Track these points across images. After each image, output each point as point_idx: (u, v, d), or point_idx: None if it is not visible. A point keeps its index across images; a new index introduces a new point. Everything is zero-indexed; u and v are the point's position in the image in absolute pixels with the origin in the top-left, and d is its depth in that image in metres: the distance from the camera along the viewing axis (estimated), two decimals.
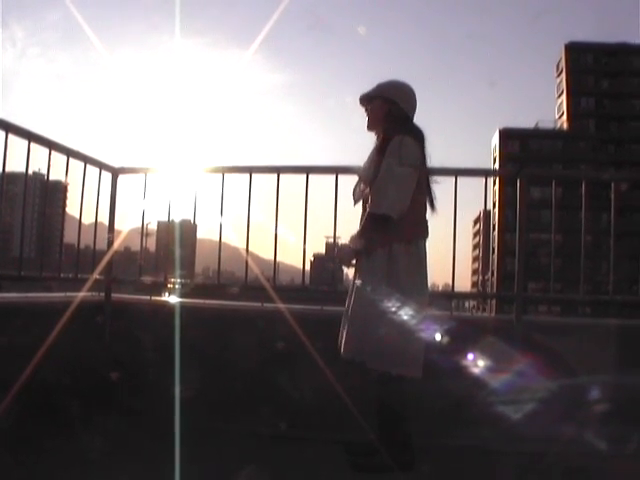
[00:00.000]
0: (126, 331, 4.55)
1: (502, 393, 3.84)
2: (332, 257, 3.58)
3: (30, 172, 4.24)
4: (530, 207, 4.85)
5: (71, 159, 4.44)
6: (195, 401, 3.84)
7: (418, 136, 3.43)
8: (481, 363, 3.96)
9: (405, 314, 3.21)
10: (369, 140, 3.58)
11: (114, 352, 4.48)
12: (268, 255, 4.75)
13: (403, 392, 3.27)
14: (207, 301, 5.09)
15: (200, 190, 4.85)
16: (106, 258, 4.73)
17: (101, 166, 4.83)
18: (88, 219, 5.02)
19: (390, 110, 3.48)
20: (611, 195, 4.57)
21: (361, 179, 3.52)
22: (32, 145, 4.07)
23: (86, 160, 4.63)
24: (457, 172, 4.34)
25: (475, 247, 79.87)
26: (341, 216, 4.45)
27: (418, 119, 3.54)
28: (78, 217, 4.77)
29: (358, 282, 3.37)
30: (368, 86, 3.59)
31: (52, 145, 4.25)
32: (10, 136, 3.90)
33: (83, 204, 4.70)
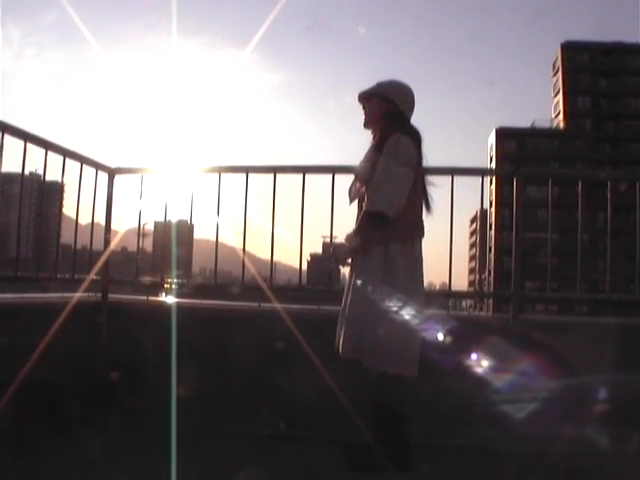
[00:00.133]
0: (123, 331, 4.55)
1: (502, 392, 3.85)
2: (328, 256, 3.57)
3: (27, 172, 4.24)
4: (527, 206, 4.85)
5: (68, 159, 4.43)
6: (193, 401, 3.84)
7: (415, 136, 3.44)
8: (479, 362, 3.97)
9: (402, 313, 3.21)
10: (366, 139, 3.58)
11: (112, 352, 4.48)
12: (265, 255, 4.75)
13: (400, 392, 3.27)
14: (204, 301, 5.09)
15: (197, 190, 4.85)
16: (103, 258, 4.72)
17: (97, 166, 4.83)
18: (85, 219, 5.02)
19: (388, 109, 3.48)
20: (607, 194, 4.57)
21: (357, 178, 3.53)
22: (29, 146, 4.07)
23: (82, 160, 4.63)
24: (453, 171, 4.35)
25: (472, 246, 80.00)
26: (338, 215, 4.46)
27: (416, 118, 3.55)
28: (75, 218, 4.76)
29: (354, 281, 3.37)
30: (365, 86, 3.59)
31: (48, 145, 4.24)
32: (6, 136, 3.90)
33: (80, 204, 4.71)
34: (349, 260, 3.46)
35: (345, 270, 3.59)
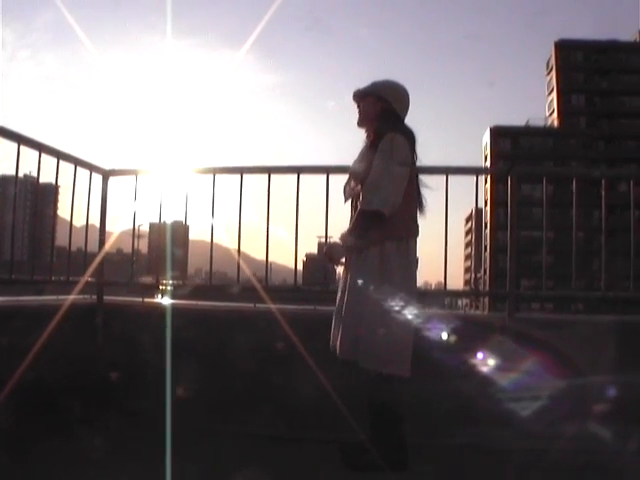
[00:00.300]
0: (119, 333, 4.54)
1: (502, 392, 3.85)
2: (322, 256, 3.57)
3: (21, 175, 4.23)
4: (521, 205, 4.86)
5: (62, 161, 4.42)
6: (190, 402, 3.84)
7: (409, 136, 3.44)
8: (476, 362, 3.97)
9: (397, 313, 3.21)
10: (360, 139, 3.59)
11: (108, 354, 4.47)
12: (261, 256, 4.75)
13: (395, 391, 3.27)
14: (200, 302, 5.08)
15: (191, 191, 4.84)
16: (97, 260, 4.71)
17: (91, 168, 4.82)
18: (80, 221, 5.00)
19: (383, 108, 3.49)
20: (602, 192, 4.58)
21: (352, 176, 3.53)
22: (22, 148, 4.05)
23: (76, 162, 4.61)
24: (448, 170, 4.35)
25: (467, 245, 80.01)
26: (333, 215, 4.45)
27: (411, 118, 3.57)
28: (69, 219, 4.76)
29: (350, 280, 3.37)
30: (361, 85, 3.60)
31: (42, 147, 4.23)
32: (0, 139, 3.89)
33: (74, 206, 4.69)
34: (343, 259, 3.47)
35: (340, 269, 3.59)
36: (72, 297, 4.34)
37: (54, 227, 4.72)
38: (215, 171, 4.74)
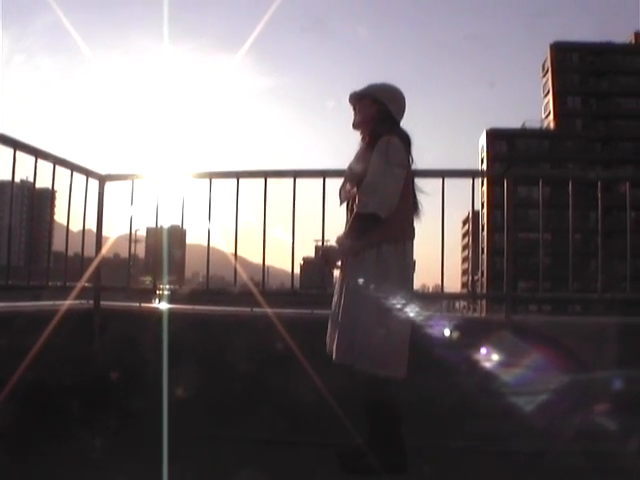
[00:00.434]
0: (116, 338, 4.53)
1: (505, 387, 3.86)
2: (318, 259, 3.56)
3: (17, 180, 4.23)
4: (518, 207, 4.86)
5: (58, 167, 4.42)
6: (187, 407, 3.84)
7: (405, 139, 3.44)
8: (477, 359, 3.98)
9: (393, 315, 3.21)
10: (357, 141, 3.58)
11: (104, 360, 4.46)
12: (258, 259, 4.74)
13: (392, 394, 3.27)
14: (197, 307, 5.07)
15: (188, 195, 4.84)
16: (94, 265, 4.70)
17: (88, 173, 4.81)
18: (76, 226, 5.00)
19: (379, 111, 3.48)
20: (598, 194, 4.58)
21: (347, 179, 3.52)
22: (19, 153, 4.05)
23: (73, 167, 4.61)
24: (444, 173, 4.35)
25: (464, 248, 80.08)
26: (330, 219, 4.45)
27: (407, 120, 3.56)
28: (66, 225, 4.75)
29: (346, 283, 3.36)
30: (357, 87, 3.60)
31: (38, 153, 4.22)
32: None
33: (71, 211, 4.69)
34: (339, 263, 3.46)
35: (337, 273, 3.58)
36: (69, 302, 4.33)
37: (51, 232, 4.73)
38: (211, 175, 4.73)
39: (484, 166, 70.61)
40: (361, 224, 3.29)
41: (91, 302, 4.82)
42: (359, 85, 3.59)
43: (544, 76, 77.74)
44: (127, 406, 3.95)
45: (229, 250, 4.67)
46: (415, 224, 3.49)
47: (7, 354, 3.65)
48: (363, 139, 3.54)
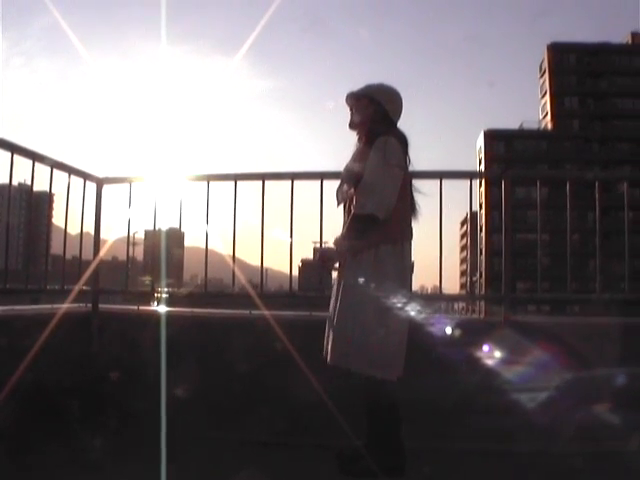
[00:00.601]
0: (114, 341, 4.53)
1: (504, 389, 3.86)
2: (315, 261, 3.56)
3: (15, 184, 4.22)
4: (516, 208, 4.87)
5: (55, 170, 4.42)
6: (186, 409, 3.84)
7: (402, 139, 3.42)
8: (473, 363, 3.98)
9: (391, 316, 3.20)
10: (354, 142, 3.57)
11: (103, 362, 4.45)
12: (256, 262, 4.74)
13: (390, 395, 3.26)
14: (195, 310, 5.07)
15: (186, 198, 4.85)
16: (91, 268, 4.70)
17: (85, 176, 4.81)
18: (74, 229, 5.00)
19: (376, 111, 3.47)
20: (596, 194, 4.59)
21: (344, 180, 3.50)
22: (17, 157, 4.05)
23: (70, 171, 4.61)
24: (442, 175, 4.35)
25: (463, 249, 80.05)
26: (328, 221, 4.44)
27: (404, 121, 3.55)
28: (64, 228, 4.75)
29: (343, 284, 3.35)
30: (355, 88, 3.58)
31: (36, 156, 4.22)
32: None
33: (68, 215, 4.69)
34: (337, 264, 3.45)
35: (335, 274, 3.57)
36: (67, 305, 4.33)
37: (49, 235, 4.72)
38: (209, 178, 4.73)
39: (482, 167, 70.63)
40: (359, 225, 3.26)
41: (89, 305, 4.82)
42: (358, 86, 3.58)
43: (541, 77, 77.82)
44: (126, 407, 3.95)
45: (227, 252, 4.67)
46: (413, 225, 3.47)
47: (6, 356, 3.65)
48: (360, 139, 3.53)
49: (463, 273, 78.89)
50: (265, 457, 3.61)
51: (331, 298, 3.49)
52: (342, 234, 3.35)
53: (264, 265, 4.75)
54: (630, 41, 76.55)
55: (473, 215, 5.29)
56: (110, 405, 3.97)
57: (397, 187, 3.28)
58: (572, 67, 73.94)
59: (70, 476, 3.18)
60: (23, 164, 4.13)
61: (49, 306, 4.50)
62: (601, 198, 4.57)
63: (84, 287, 4.67)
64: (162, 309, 4.69)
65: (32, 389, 3.61)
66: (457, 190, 4.88)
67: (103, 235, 4.96)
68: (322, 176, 4.47)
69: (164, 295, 4.87)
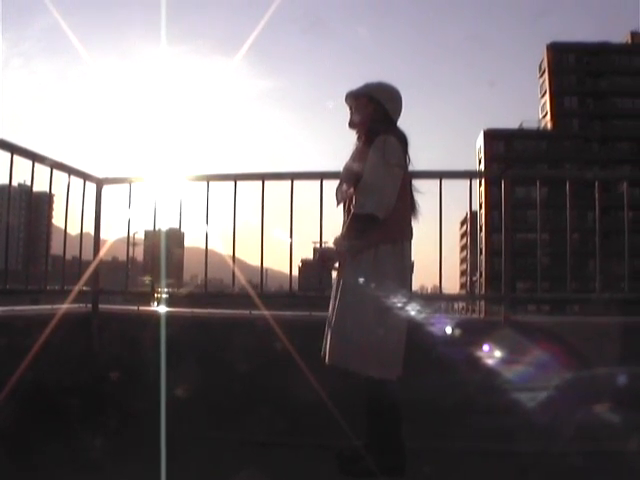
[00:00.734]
0: (114, 342, 4.53)
1: (504, 389, 3.86)
2: (315, 261, 3.55)
3: (15, 184, 4.23)
4: (516, 207, 4.87)
5: (55, 171, 4.42)
6: (186, 409, 3.84)
7: (401, 138, 3.40)
8: (473, 362, 3.98)
9: (390, 316, 3.20)
10: (354, 141, 3.56)
11: (102, 363, 4.46)
12: (256, 262, 4.73)
13: (391, 394, 3.25)
14: (195, 310, 5.07)
15: (186, 198, 4.85)
16: (91, 268, 4.70)
17: (85, 177, 4.82)
18: (74, 230, 5.00)
19: (375, 110, 3.44)
20: (595, 194, 4.59)
21: (343, 180, 3.48)
22: (17, 158, 4.05)
23: (70, 171, 4.61)
24: (442, 175, 4.35)
25: (463, 248, 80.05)
26: (328, 220, 4.44)
27: (404, 121, 3.53)
28: (64, 228, 4.75)
29: (343, 284, 3.33)
30: (354, 87, 3.57)
31: (35, 157, 4.22)
32: None
33: (68, 215, 4.69)
34: (337, 264, 3.44)
35: (334, 274, 3.56)
36: (67, 306, 4.33)
37: (49, 235, 4.72)
38: (209, 178, 4.73)
39: (482, 167, 70.69)
40: (358, 225, 3.24)
41: (89, 305, 4.82)
42: (357, 85, 3.57)
43: (541, 76, 77.84)
44: (126, 407, 3.95)
45: (227, 252, 4.67)
46: (413, 224, 3.46)
47: (7, 357, 3.65)
48: (359, 138, 3.50)
49: (463, 273, 78.88)
50: (265, 457, 3.61)
51: (331, 298, 3.48)
52: (342, 234, 3.34)
53: (264, 265, 4.76)
54: (630, 41, 76.55)
55: (473, 215, 5.30)
56: (110, 405, 3.97)
57: (397, 187, 3.26)
58: (572, 67, 73.96)
59: (70, 476, 3.18)
60: (23, 165, 4.14)
61: (49, 306, 4.50)
62: (601, 198, 4.57)
63: (84, 287, 4.67)
64: (162, 309, 4.69)
65: (32, 389, 3.61)
66: (457, 190, 4.88)
67: (103, 235, 4.97)
68: (322, 176, 4.47)
69: (164, 295, 4.87)
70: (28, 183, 4.30)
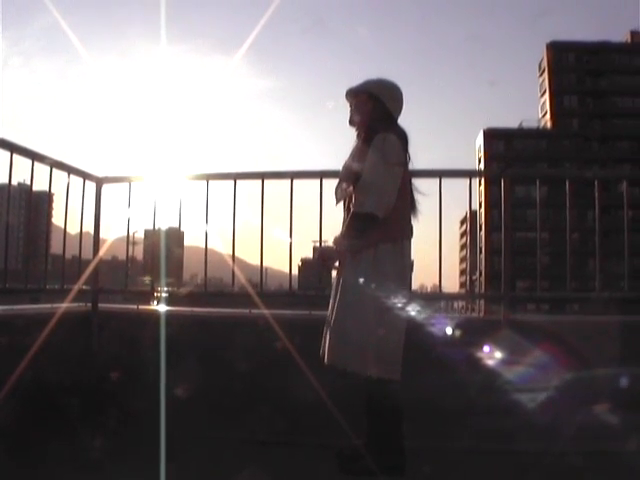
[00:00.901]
0: (114, 341, 4.53)
1: (504, 389, 3.86)
2: (315, 260, 3.54)
3: (15, 183, 4.22)
4: (516, 206, 4.87)
5: (55, 170, 4.41)
6: (186, 408, 3.83)
7: (401, 136, 3.37)
8: (472, 362, 3.98)
9: (390, 315, 3.19)
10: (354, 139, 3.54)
11: (102, 362, 4.45)
12: (256, 261, 4.73)
13: (392, 395, 3.24)
14: (195, 309, 5.07)
15: (186, 197, 4.85)
16: (91, 267, 4.70)
17: (85, 176, 4.81)
18: (74, 229, 5.00)
19: (375, 107, 3.41)
20: (595, 193, 4.59)
21: (343, 178, 3.45)
22: (16, 157, 4.05)
23: (70, 170, 4.61)
24: (441, 173, 4.34)
25: (462, 247, 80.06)
26: (328, 219, 4.44)
27: (404, 120, 3.50)
28: (63, 227, 4.75)
29: (342, 283, 3.32)
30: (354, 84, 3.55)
31: (35, 156, 4.22)
32: None
33: (68, 214, 4.69)
34: (337, 263, 3.42)
35: (334, 273, 3.55)
36: (67, 305, 4.33)
37: (48, 235, 4.72)
38: (208, 177, 4.73)
39: (481, 166, 70.76)
40: (358, 224, 3.23)
41: (89, 304, 4.82)
42: (358, 82, 3.54)
43: (541, 76, 77.86)
44: (126, 407, 3.94)
45: (227, 251, 4.67)
46: (413, 223, 3.44)
47: (6, 356, 3.65)
48: (359, 136, 3.47)
49: (463, 272, 78.91)
50: (265, 456, 3.61)
51: (331, 298, 3.47)
52: (341, 233, 3.33)
53: (264, 264, 4.76)
54: (629, 40, 76.58)
55: (473, 214, 5.29)
56: (110, 404, 3.96)
57: (396, 185, 3.25)
58: (571, 66, 73.98)
59: (70, 475, 3.18)
60: (22, 164, 4.13)
61: (49, 305, 4.50)
62: (601, 197, 4.57)
63: (84, 286, 4.67)
64: (162, 308, 4.69)
65: (32, 388, 3.61)
66: (457, 189, 4.88)
67: (103, 234, 4.96)
68: (322, 175, 4.46)
69: (164, 294, 4.87)
70: (28, 182, 4.30)
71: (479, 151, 75.67)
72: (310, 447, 3.76)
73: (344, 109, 3.57)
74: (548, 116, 74.82)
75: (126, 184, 4.92)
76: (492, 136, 73.52)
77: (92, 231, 4.95)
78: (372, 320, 3.17)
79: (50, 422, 3.64)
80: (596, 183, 4.63)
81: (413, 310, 3.34)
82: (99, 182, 4.94)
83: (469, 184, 4.53)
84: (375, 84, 3.48)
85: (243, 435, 3.84)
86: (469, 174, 4.69)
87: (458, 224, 79.13)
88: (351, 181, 3.33)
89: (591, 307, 4.89)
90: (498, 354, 4.01)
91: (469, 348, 4.03)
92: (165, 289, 4.95)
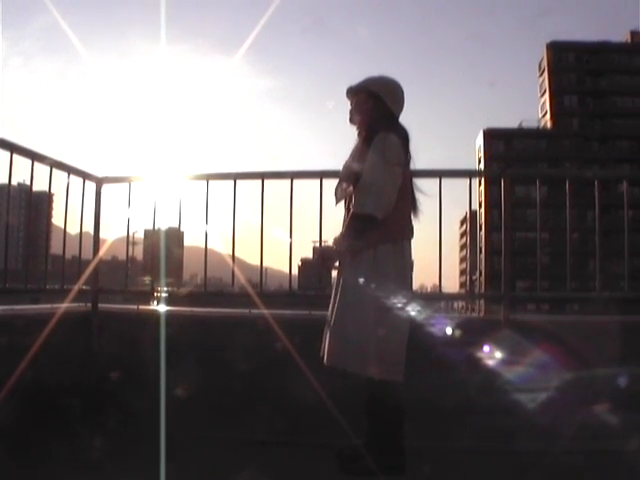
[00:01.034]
0: (114, 341, 4.53)
1: (504, 389, 3.86)
2: (315, 260, 3.54)
3: (15, 183, 4.22)
4: (516, 206, 4.87)
5: (55, 170, 4.41)
6: (186, 409, 3.83)
7: (402, 135, 3.34)
8: (473, 362, 3.98)
9: (391, 316, 3.18)
10: (354, 138, 3.52)
11: (102, 362, 4.45)
12: (256, 261, 4.73)
13: (395, 396, 3.24)
14: (195, 309, 5.07)
15: (185, 197, 4.85)
16: (91, 267, 4.70)
17: (85, 176, 4.81)
18: (74, 229, 5.00)
19: (375, 105, 3.37)
20: (595, 193, 4.58)
21: (343, 178, 3.43)
22: (16, 157, 4.05)
23: (70, 170, 4.61)
24: (441, 173, 4.34)
25: (462, 247, 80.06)
26: (328, 219, 4.44)
27: (404, 120, 3.46)
28: (63, 227, 4.75)
29: (342, 284, 3.31)
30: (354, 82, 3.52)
31: (35, 156, 4.22)
32: None
33: (68, 214, 4.69)
34: (337, 263, 3.41)
35: (334, 273, 3.54)
36: (67, 305, 4.33)
37: (48, 235, 4.72)
38: (208, 177, 4.73)
39: (481, 166, 70.77)
40: (358, 224, 3.21)
41: (89, 305, 4.82)
42: (358, 80, 3.49)
43: (541, 76, 77.87)
44: (126, 407, 3.94)
45: (227, 252, 4.67)
46: (414, 223, 3.42)
47: (6, 356, 3.65)
48: (359, 134, 3.45)
49: (463, 272, 78.91)
50: (265, 456, 3.60)
51: (330, 297, 3.46)
52: (341, 233, 3.32)
53: (264, 264, 4.76)
54: (629, 40, 76.58)
55: (473, 214, 5.30)
56: (110, 404, 3.96)
57: (397, 186, 3.22)
58: (571, 66, 73.99)
59: (70, 475, 3.17)
60: (22, 164, 4.13)
61: (49, 306, 4.50)
62: (601, 196, 4.57)
63: (84, 287, 4.68)
64: (162, 308, 4.69)
65: (32, 388, 3.61)
66: (457, 189, 4.88)
67: (103, 235, 4.97)
68: (322, 175, 4.46)
69: (164, 294, 4.87)
70: (28, 182, 4.30)
71: (479, 151, 75.68)
72: (310, 447, 3.75)
73: (344, 109, 3.54)
74: (548, 116, 74.82)
75: (126, 184, 4.92)
76: (492, 136, 73.52)
77: (92, 231, 4.95)
78: (372, 321, 3.15)
79: (50, 422, 3.64)
80: (596, 183, 4.63)
81: (414, 311, 3.33)
82: (99, 182, 4.94)
83: (469, 184, 4.53)
84: (375, 82, 3.44)
85: (243, 435, 3.84)
86: (469, 174, 4.69)
87: (458, 224, 79.19)
88: (351, 181, 3.30)
89: (591, 307, 4.89)
90: (498, 354, 4.01)
91: (469, 348, 4.03)
92: (165, 289, 4.95)
